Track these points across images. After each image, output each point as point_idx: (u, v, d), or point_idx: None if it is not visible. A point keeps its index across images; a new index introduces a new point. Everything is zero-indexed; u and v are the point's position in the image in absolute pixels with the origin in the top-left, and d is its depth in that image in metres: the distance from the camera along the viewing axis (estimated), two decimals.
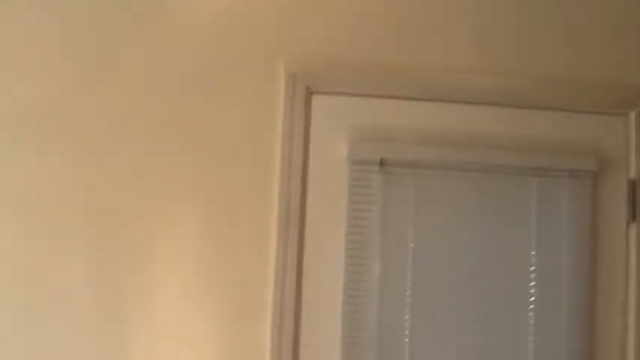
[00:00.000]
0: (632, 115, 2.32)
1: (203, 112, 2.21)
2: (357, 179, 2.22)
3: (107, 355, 2.12)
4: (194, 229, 2.18)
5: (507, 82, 2.28)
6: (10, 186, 2.14)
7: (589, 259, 2.26)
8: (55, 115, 2.17)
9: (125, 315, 2.14)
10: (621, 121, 2.33)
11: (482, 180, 2.25)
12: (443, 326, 2.22)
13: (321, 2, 2.29)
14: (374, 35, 2.28)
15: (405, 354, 2.19)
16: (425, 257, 2.22)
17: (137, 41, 2.21)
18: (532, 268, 2.24)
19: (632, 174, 2.31)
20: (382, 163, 2.22)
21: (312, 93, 2.24)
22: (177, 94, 2.21)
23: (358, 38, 2.27)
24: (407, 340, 2.19)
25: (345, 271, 2.19)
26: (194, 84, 2.21)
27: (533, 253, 2.25)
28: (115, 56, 2.20)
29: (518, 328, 2.24)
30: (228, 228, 2.18)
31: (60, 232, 2.14)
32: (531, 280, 2.24)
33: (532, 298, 2.24)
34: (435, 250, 2.23)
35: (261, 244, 2.18)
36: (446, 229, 2.24)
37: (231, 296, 2.16)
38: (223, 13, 2.24)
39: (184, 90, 2.21)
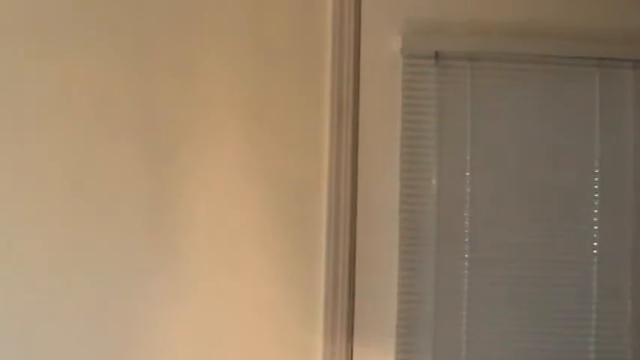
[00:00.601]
0: None
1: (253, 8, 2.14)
2: (411, 73, 2.13)
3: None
4: (244, 127, 2.10)
5: None
6: (63, 84, 2.09)
7: None
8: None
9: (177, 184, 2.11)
10: None
11: (542, 72, 2.16)
12: (503, 222, 2.13)
13: None
14: None
15: (465, 261, 2.12)
16: (483, 153, 2.13)
17: None
18: (596, 163, 2.16)
19: None
20: (437, 56, 2.12)
21: None
22: None
23: None
24: (467, 238, 2.12)
25: (400, 168, 2.11)
26: None
27: (597, 146, 2.15)
28: None
29: (581, 224, 2.16)
30: (279, 122, 2.11)
31: (113, 123, 2.10)
32: (595, 176, 2.16)
33: (595, 195, 2.16)
34: (494, 146, 2.14)
35: (314, 141, 2.11)
36: (504, 125, 2.15)
37: (285, 197, 2.10)
38: None
39: None
